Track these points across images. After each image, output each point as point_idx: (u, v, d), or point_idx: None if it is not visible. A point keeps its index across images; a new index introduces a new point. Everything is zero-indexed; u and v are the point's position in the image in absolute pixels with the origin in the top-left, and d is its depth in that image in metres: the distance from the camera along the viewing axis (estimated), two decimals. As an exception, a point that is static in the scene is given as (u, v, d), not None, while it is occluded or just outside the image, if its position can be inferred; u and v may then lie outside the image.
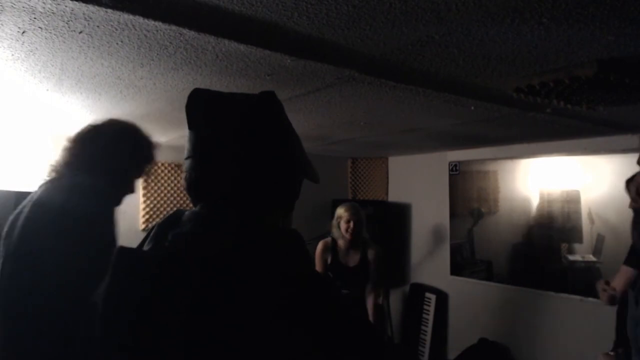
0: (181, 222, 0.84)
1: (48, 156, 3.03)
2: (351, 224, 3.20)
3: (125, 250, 0.82)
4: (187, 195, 0.88)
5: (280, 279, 0.76)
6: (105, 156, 1.55)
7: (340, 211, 3.30)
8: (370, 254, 3.27)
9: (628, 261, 2.21)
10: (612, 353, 2.04)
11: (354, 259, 3.25)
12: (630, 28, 1.25)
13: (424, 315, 4.36)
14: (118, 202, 1.61)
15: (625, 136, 3.09)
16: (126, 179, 1.65)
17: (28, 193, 2.42)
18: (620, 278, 2.18)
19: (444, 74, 1.71)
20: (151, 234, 0.85)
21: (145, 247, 0.84)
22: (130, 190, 1.68)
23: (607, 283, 2.22)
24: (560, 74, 1.60)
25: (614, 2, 1.10)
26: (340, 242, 3.28)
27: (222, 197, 0.84)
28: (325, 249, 3.31)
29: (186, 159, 0.87)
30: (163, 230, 0.83)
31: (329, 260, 3.27)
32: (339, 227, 3.28)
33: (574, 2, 1.10)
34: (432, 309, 4.31)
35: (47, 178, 1.57)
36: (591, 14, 1.16)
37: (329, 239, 3.35)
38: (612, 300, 2.15)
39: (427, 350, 4.25)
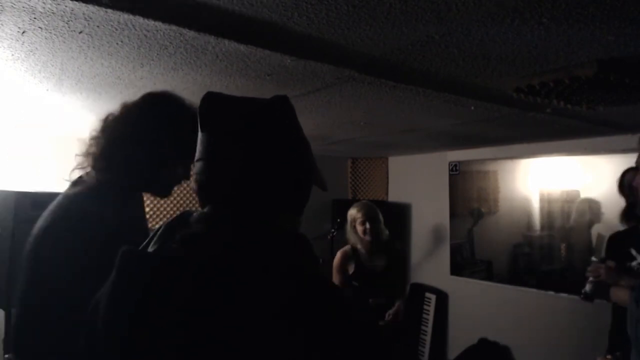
0: (189, 223, 0.84)
1: (48, 156, 3.05)
2: (367, 225, 2.94)
3: (129, 251, 0.82)
4: (189, 196, 0.89)
5: (282, 280, 0.76)
6: (132, 145, 1.30)
7: (353, 212, 3.03)
8: (397, 253, 3.09)
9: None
10: (609, 357, 2.03)
11: (380, 262, 3.00)
12: (630, 28, 1.25)
13: (424, 315, 4.36)
14: (165, 192, 1.42)
15: (625, 136, 3.09)
16: (165, 164, 1.36)
17: (28, 193, 2.44)
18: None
19: (444, 74, 1.71)
20: (158, 234, 0.85)
21: (152, 248, 0.84)
22: (181, 175, 1.40)
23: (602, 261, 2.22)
24: (560, 74, 1.60)
25: (614, 2, 1.10)
26: (360, 247, 3.01)
27: (231, 199, 0.84)
28: (344, 259, 2.99)
29: (197, 161, 0.87)
30: (171, 231, 0.84)
31: (352, 269, 2.96)
32: (355, 230, 3.01)
33: (574, 2, 1.10)
34: (432, 309, 4.31)
35: (74, 178, 1.38)
36: (591, 14, 1.16)
37: (347, 248, 3.04)
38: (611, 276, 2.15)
39: (427, 350, 4.25)
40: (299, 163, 0.90)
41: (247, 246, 0.79)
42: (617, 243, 2.36)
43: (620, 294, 2.14)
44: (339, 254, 3.04)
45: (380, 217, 3.04)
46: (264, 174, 0.84)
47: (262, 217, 0.84)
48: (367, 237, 2.96)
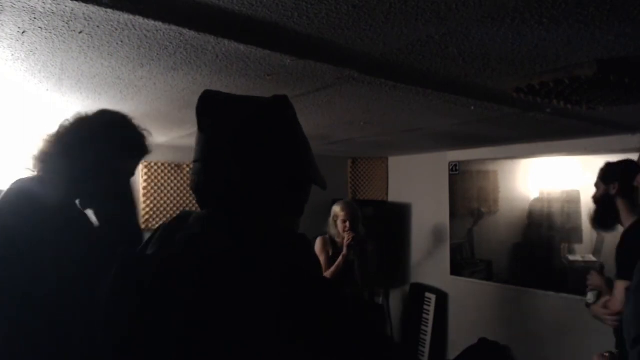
0: (188, 224, 0.84)
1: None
2: (347, 224, 3.23)
3: (129, 252, 0.82)
4: (189, 196, 0.89)
5: (284, 280, 0.76)
6: (86, 150, 1.42)
7: (337, 209, 3.32)
8: (369, 250, 3.36)
9: (621, 275, 2.09)
10: (606, 354, 2.02)
11: (353, 256, 3.25)
12: (630, 28, 1.25)
13: (424, 315, 4.36)
14: (89, 205, 1.51)
15: (625, 136, 3.09)
16: (112, 173, 1.48)
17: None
18: (620, 295, 2.05)
19: (444, 74, 1.71)
20: (156, 236, 0.85)
21: (151, 249, 0.83)
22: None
23: (606, 307, 2.16)
24: (560, 74, 1.60)
25: (614, 2, 1.10)
26: (338, 240, 3.31)
27: (229, 200, 0.84)
28: (325, 243, 3.32)
29: (195, 161, 0.87)
30: (170, 233, 0.83)
31: (330, 253, 3.28)
32: (336, 225, 3.30)
33: (574, 2, 1.10)
34: (432, 309, 4.31)
35: (28, 173, 1.49)
36: (591, 14, 1.16)
37: (326, 236, 3.36)
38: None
39: (427, 350, 4.25)
40: (297, 164, 0.89)
41: (246, 246, 0.79)
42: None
43: (597, 311, 2.15)
44: (319, 240, 3.33)
45: (360, 216, 3.33)
46: (261, 175, 0.84)
47: (260, 217, 0.84)
48: (346, 235, 3.24)
